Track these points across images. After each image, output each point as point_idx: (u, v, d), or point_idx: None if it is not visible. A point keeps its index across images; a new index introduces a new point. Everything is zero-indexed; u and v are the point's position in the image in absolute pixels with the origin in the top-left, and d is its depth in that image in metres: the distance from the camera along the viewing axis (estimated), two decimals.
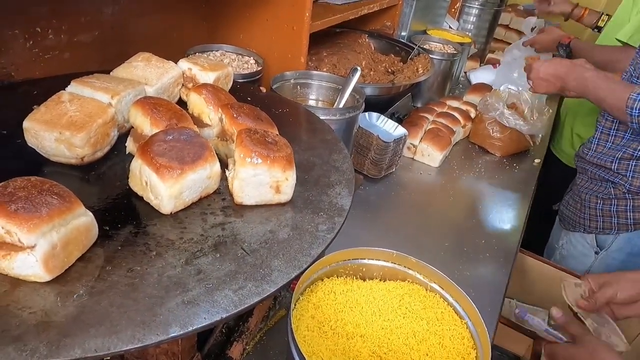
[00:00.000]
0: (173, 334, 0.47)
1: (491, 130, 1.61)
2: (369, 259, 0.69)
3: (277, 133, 0.76)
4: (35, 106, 0.73)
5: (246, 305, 0.52)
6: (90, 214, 0.56)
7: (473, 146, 1.66)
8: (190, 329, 0.48)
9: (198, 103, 0.80)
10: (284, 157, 0.67)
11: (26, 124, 0.68)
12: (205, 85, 0.83)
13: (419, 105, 1.83)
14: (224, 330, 0.77)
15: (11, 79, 0.94)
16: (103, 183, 0.71)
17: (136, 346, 0.45)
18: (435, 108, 1.67)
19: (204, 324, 0.49)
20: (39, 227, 0.49)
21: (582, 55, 1.54)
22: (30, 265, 0.49)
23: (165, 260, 0.56)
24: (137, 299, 0.50)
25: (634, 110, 1.04)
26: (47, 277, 0.50)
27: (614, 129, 1.22)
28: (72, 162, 0.71)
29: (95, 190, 0.69)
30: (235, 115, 0.74)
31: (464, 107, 1.73)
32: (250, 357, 0.78)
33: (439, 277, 0.68)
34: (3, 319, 0.46)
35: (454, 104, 1.76)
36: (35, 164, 0.71)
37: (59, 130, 0.67)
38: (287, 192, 0.69)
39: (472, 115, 1.71)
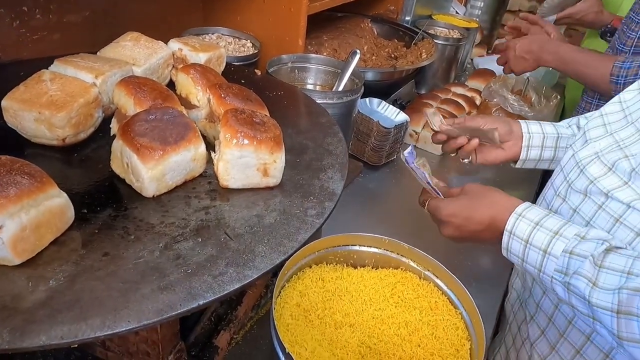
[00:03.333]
0: (145, 322, 0.45)
1: None
2: (360, 245, 0.66)
3: (267, 114, 0.73)
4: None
5: (225, 292, 0.49)
6: (65, 195, 0.54)
7: None
8: (165, 316, 0.45)
9: (186, 83, 0.77)
10: (271, 138, 0.64)
11: (4, 102, 0.66)
12: (193, 65, 0.80)
13: (422, 92, 1.79)
14: (212, 318, 0.74)
15: None
16: (86, 166, 0.68)
17: (105, 333, 0.43)
18: (439, 95, 1.62)
19: (179, 311, 0.46)
20: (5, 207, 0.46)
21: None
22: None
23: (143, 245, 0.54)
24: (111, 285, 0.48)
25: (619, 79, 1.00)
26: (16, 261, 0.48)
27: (594, 107, 1.18)
28: (54, 144, 0.68)
29: (77, 173, 0.67)
30: (222, 95, 0.71)
31: (469, 94, 1.68)
32: (240, 346, 0.76)
33: (433, 264, 0.65)
34: None
35: (459, 90, 1.71)
36: (16, 145, 0.68)
37: (37, 109, 0.65)
38: (275, 175, 0.66)
39: (477, 102, 1.66)
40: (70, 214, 0.54)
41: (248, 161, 0.63)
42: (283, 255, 0.55)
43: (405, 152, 0.77)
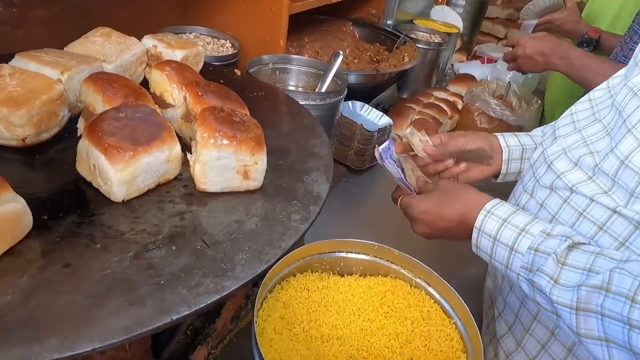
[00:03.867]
0: (111, 341, 0.40)
1: (479, 122, 1.55)
2: (347, 252, 0.63)
3: (247, 113, 0.69)
4: None
5: (201, 305, 0.44)
6: (22, 199, 0.48)
7: None
8: (133, 333, 0.41)
9: (160, 81, 0.72)
10: (252, 138, 0.60)
11: None
12: (169, 61, 0.75)
13: (404, 96, 1.77)
14: (188, 332, 0.69)
15: None
16: (49, 168, 0.63)
17: (63, 356, 0.38)
18: (422, 99, 1.61)
19: (149, 328, 0.41)
20: None
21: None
22: None
23: (111, 254, 0.49)
24: (72, 299, 0.43)
25: None
26: None
27: None
28: (13, 144, 0.62)
29: (40, 176, 0.61)
30: (200, 94, 0.67)
31: (450, 99, 1.68)
32: None
33: (425, 271, 0.62)
34: None
35: (441, 94, 1.70)
36: None
37: None
38: (256, 178, 0.62)
39: (459, 106, 1.66)
40: (27, 220, 0.49)
41: (227, 163, 0.59)
42: (265, 263, 0.51)
43: (380, 148, 0.74)
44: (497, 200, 0.62)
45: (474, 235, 0.61)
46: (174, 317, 0.43)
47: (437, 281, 0.61)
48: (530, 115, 1.54)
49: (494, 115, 1.51)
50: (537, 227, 0.57)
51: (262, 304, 0.55)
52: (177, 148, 0.60)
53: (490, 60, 2.22)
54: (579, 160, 0.61)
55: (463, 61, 2.23)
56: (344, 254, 0.63)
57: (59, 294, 0.43)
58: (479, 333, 0.53)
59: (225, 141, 0.58)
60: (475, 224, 0.61)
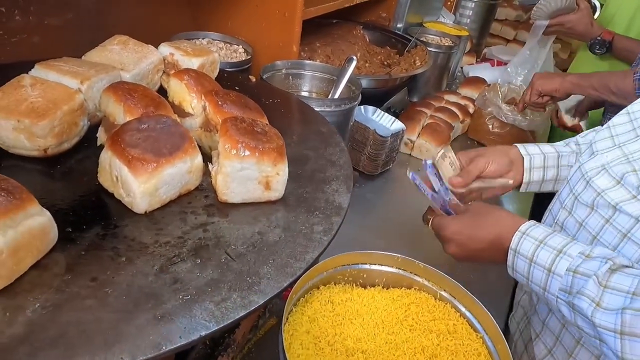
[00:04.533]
0: (140, 358, 0.39)
1: (490, 126, 1.54)
2: (370, 263, 0.62)
3: (267, 122, 0.68)
4: None
5: (230, 321, 0.44)
6: (48, 213, 0.48)
7: (472, 142, 1.60)
8: (164, 350, 0.40)
9: (179, 90, 0.72)
10: (274, 148, 0.59)
11: None
12: (187, 70, 0.75)
13: (415, 100, 1.76)
14: (207, 342, 0.69)
15: None
16: (70, 179, 0.63)
17: None
18: (433, 102, 1.60)
19: (179, 344, 0.41)
20: None
21: (630, 56, 1.39)
22: None
23: (136, 267, 0.49)
24: (100, 315, 0.42)
25: None
26: None
27: None
28: (34, 155, 0.62)
29: (60, 186, 0.61)
30: (220, 103, 0.67)
31: (462, 102, 1.67)
32: None
33: (449, 284, 0.61)
34: None
35: (452, 98, 1.69)
36: None
37: (16, 117, 0.59)
38: (278, 188, 0.61)
39: (471, 110, 1.65)
40: (53, 234, 0.49)
41: (249, 174, 0.59)
42: (291, 277, 0.50)
43: (409, 174, 0.71)
44: (532, 222, 0.61)
45: (510, 257, 0.59)
46: (203, 333, 0.43)
47: (464, 294, 0.60)
48: (543, 120, 1.52)
49: (505, 120, 1.50)
50: (575, 249, 0.55)
51: (287, 318, 0.55)
52: (199, 158, 0.60)
53: (500, 63, 2.20)
54: (622, 178, 0.59)
55: (473, 64, 2.22)
56: (367, 266, 0.62)
57: (87, 309, 0.43)
58: (508, 349, 0.53)
59: (247, 152, 0.58)
60: (511, 245, 0.59)
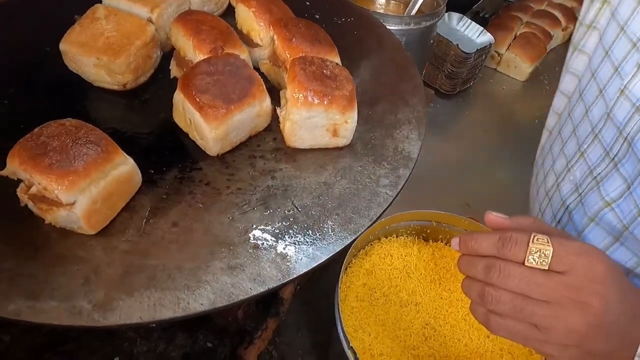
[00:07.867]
0: (218, 305, 0.45)
1: None
2: (436, 222, 0.61)
3: (338, 60, 0.64)
4: (76, 16, 0.66)
5: (295, 276, 0.48)
6: (131, 160, 0.52)
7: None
8: (235, 300, 0.45)
9: (247, 18, 0.68)
10: (344, 96, 0.57)
11: (62, 46, 0.62)
12: None
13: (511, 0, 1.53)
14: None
15: None
16: (147, 112, 0.66)
17: (179, 315, 0.44)
18: (532, 5, 1.38)
19: (249, 295, 0.46)
20: (76, 184, 0.45)
21: None
22: (73, 220, 0.47)
23: (210, 215, 0.52)
24: (181, 261, 0.48)
25: None
26: (91, 232, 0.48)
27: None
28: (115, 89, 0.65)
29: (140, 121, 0.64)
30: (289, 37, 0.63)
31: (568, 4, 1.42)
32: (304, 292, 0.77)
33: None
34: (52, 277, 0.45)
35: None
36: (81, 89, 0.66)
37: (96, 55, 0.61)
38: (346, 135, 0.60)
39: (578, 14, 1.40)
40: (137, 178, 0.53)
41: (317, 121, 0.57)
42: (354, 234, 0.52)
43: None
44: None
45: None
46: (270, 286, 0.47)
47: None
48: None
49: None
50: None
51: (346, 269, 0.57)
52: (267, 101, 0.59)
53: None
54: None
55: None
56: (431, 223, 0.62)
57: (171, 253, 0.48)
58: None
59: (316, 100, 0.56)
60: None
